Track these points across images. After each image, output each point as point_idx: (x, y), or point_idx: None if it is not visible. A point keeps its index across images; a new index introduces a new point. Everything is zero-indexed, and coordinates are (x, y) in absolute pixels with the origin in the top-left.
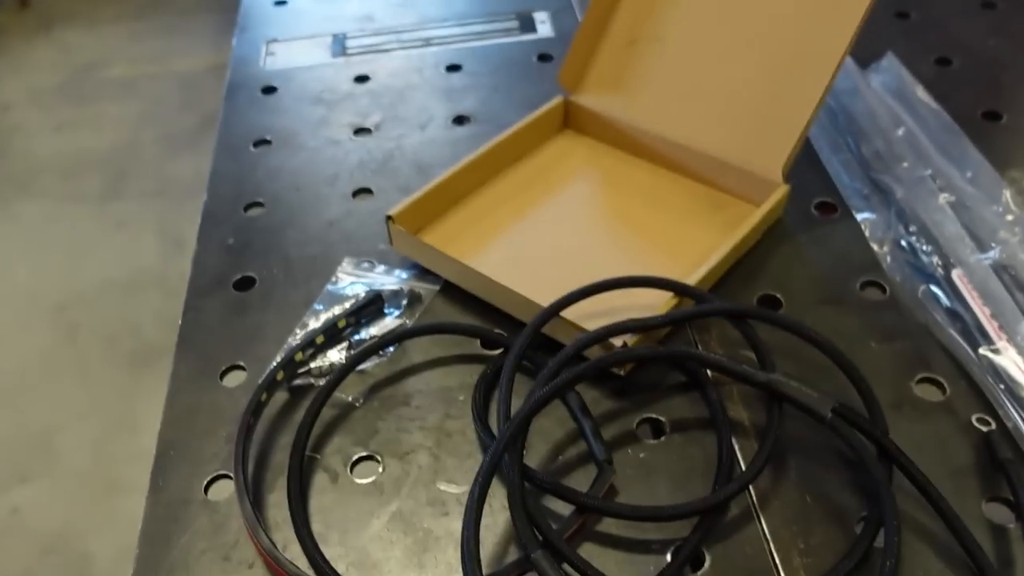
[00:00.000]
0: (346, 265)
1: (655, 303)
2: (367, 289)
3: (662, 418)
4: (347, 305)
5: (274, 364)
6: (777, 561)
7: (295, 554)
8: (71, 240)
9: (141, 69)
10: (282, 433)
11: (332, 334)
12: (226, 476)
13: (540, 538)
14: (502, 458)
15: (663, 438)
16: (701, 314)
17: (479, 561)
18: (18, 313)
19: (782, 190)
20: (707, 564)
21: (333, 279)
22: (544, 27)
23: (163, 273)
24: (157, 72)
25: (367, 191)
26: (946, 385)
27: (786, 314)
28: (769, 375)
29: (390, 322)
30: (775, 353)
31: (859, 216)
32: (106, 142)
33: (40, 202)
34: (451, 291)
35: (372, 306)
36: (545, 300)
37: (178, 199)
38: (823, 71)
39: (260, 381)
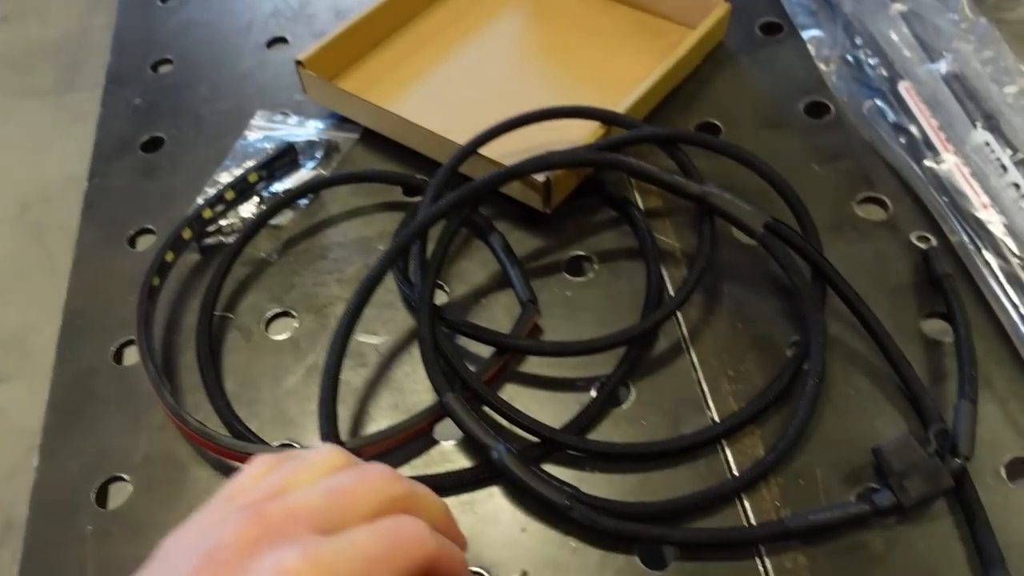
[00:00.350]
0: (258, 119)
1: (583, 136)
2: (280, 142)
3: (589, 253)
4: (259, 160)
5: (177, 225)
6: (705, 389)
7: (208, 414)
8: (28, 136)
9: None
10: (193, 295)
11: (243, 189)
12: (132, 343)
13: (457, 382)
14: (382, 275)
15: (591, 275)
16: (629, 141)
17: (335, 397)
18: None
19: (721, 9)
20: (632, 397)
21: (244, 134)
22: None
23: None
24: None
25: (282, 40)
26: (889, 203)
27: (722, 138)
28: (702, 186)
29: (305, 174)
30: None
31: (805, 34)
32: (55, 31)
33: None
34: (371, 139)
35: (285, 158)
36: (465, 138)
37: None
38: None
39: (167, 237)
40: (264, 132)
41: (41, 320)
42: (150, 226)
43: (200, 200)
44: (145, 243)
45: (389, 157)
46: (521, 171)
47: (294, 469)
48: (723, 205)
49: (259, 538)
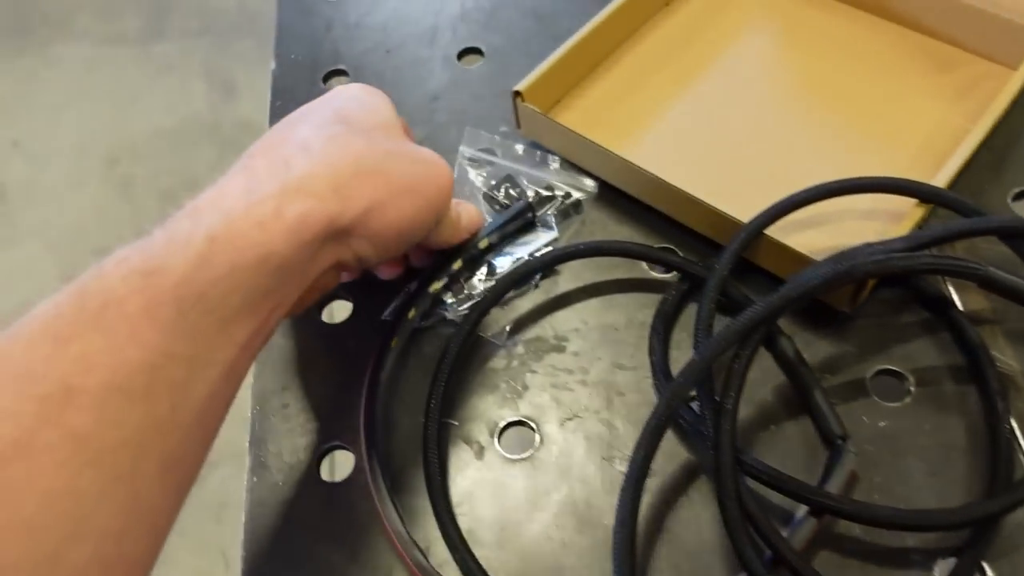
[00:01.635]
0: (464, 153)
1: (882, 209)
2: (498, 184)
3: (902, 369)
4: (487, 217)
5: (399, 299)
6: None
7: (440, 558)
8: (116, 86)
9: None
10: (404, 387)
11: (472, 258)
12: (342, 447)
13: (766, 551)
14: (670, 419)
15: (907, 399)
16: (967, 232)
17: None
18: (69, 167)
19: None
20: None
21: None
22: None
23: (215, 121)
24: None
25: (475, 51)
26: None
27: None
28: None
29: (542, 236)
30: None
31: None
32: None
33: (79, 45)
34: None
35: (520, 219)
36: (731, 206)
37: (223, 37)
38: None
39: (385, 314)
40: (477, 171)
41: None
42: (345, 297)
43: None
44: (342, 311)
45: (622, 213)
46: (847, 278)
47: None
48: None
49: None
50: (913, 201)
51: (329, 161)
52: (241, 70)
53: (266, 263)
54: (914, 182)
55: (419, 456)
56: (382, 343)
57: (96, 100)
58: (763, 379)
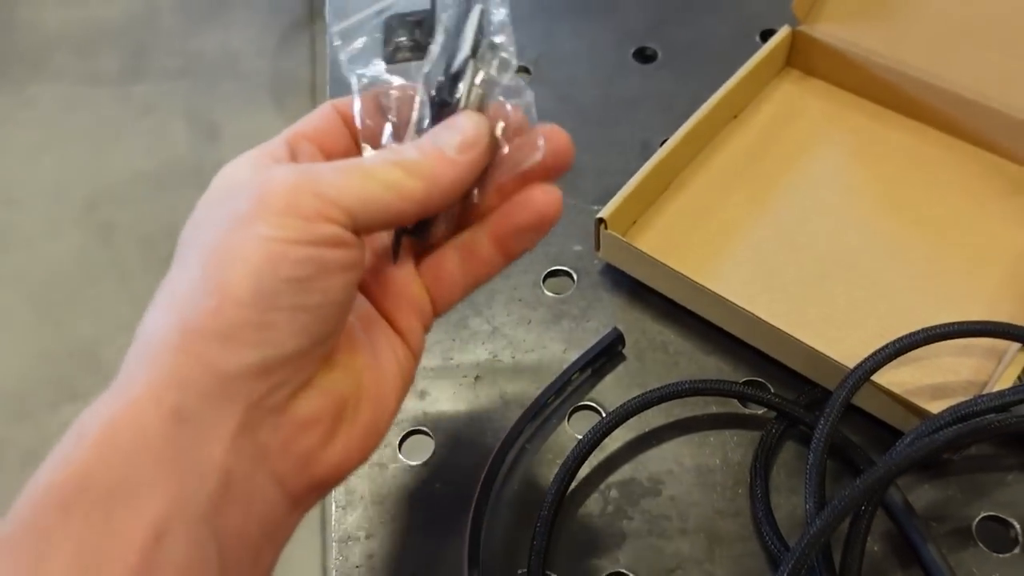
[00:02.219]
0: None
1: (974, 345)
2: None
3: (1008, 516)
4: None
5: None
6: None
7: None
8: (94, 128)
9: None
10: (496, 530)
11: (560, 393)
12: None
13: None
14: None
15: (1016, 549)
16: None
17: None
18: (48, 212)
19: None
20: None
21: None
22: None
23: (197, 164)
24: None
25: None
26: None
27: None
28: None
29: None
30: None
31: None
32: (119, 11)
33: (57, 85)
34: (679, 315)
35: (612, 350)
36: (824, 343)
37: (204, 78)
38: None
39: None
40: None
41: (114, 332)
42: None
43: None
44: (418, 451)
45: (703, 336)
46: (973, 438)
47: None
48: None
49: None
50: (1014, 344)
51: None
52: (223, 112)
53: None
54: (1017, 327)
55: None
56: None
57: (74, 142)
58: (872, 528)
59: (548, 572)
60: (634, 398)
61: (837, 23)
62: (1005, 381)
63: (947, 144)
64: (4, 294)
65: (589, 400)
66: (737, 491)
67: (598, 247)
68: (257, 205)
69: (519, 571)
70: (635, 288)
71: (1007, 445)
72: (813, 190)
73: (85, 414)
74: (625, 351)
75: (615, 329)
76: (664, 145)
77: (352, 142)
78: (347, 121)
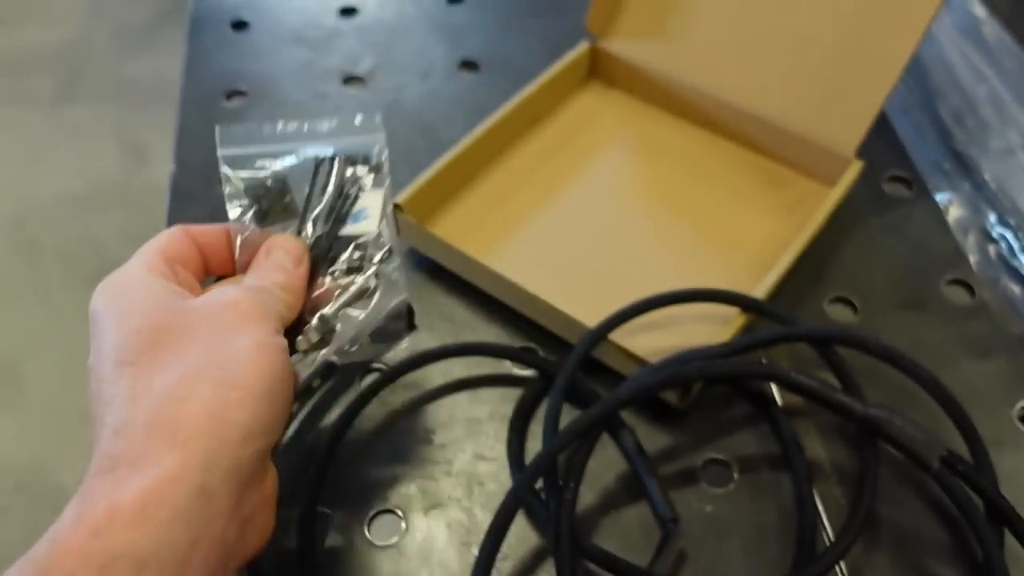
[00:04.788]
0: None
1: (715, 314)
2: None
3: (728, 458)
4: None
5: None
6: None
7: None
8: (24, 148)
9: None
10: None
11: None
12: None
13: None
14: (516, 511)
15: (731, 485)
16: (779, 339)
17: None
18: None
19: (855, 168)
20: None
21: None
22: None
23: (125, 185)
24: None
25: (358, 80)
26: None
27: (883, 342)
28: (868, 409)
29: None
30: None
31: (938, 196)
32: (55, 36)
33: None
34: (470, 293)
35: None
36: (583, 310)
37: (136, 103)
38: (914, 25)
39: None
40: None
41: (34, 348)
42: None
43: None
44: None
45: (487, 309)
46: (671, 383)
47: None
48: (895, 434)
49: None
50: (734, 308)
51: None
52: (153, 135)
53: None
54: (736, 293)
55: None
56: None
57: (2, 161)
58: (608, 468)
59: (321, 508)
60: (410, 356)
61: (628, 39)
62: (723, 339)
63: (716, 145)
64: None
65: (379, 364)
66: (499, 440)
67: (399, 232)
68: (244, 316)
69: (296, 510)
70: (433, 268)
71: (735, 399)
72: (596, 185)
73: (97, 484)
74: (417, 322)
75: (403, 301)
76: (460, 142)
77: (198, 258)
78: (194, 240)
